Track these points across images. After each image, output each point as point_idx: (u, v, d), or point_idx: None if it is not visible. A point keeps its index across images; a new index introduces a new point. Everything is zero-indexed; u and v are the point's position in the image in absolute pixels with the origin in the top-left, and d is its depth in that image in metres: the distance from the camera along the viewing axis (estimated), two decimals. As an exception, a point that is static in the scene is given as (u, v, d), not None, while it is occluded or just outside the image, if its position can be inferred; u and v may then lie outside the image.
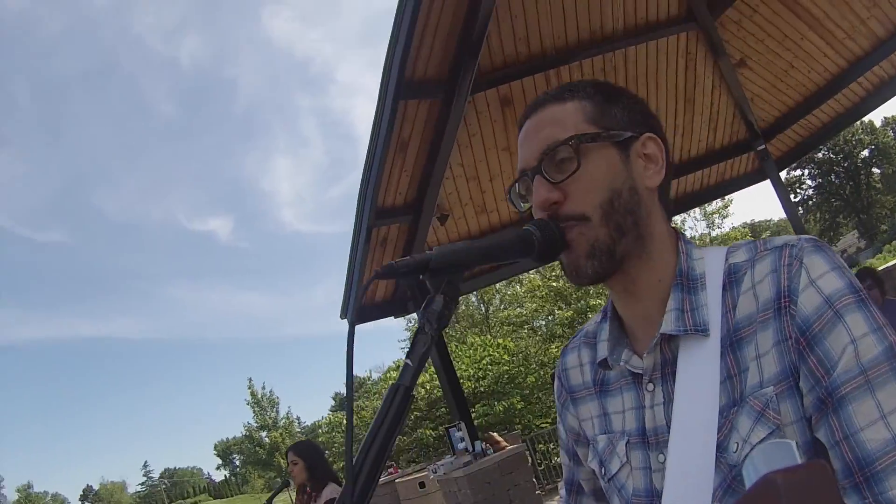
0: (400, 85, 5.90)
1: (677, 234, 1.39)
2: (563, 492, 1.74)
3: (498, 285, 35.25)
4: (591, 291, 30.31)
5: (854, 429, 1.10)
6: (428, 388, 28.92)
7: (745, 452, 1.17)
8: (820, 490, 0.69)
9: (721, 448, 1.20)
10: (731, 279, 1.27)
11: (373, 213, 7.53)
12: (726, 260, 1.30)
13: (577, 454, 1.63)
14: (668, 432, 1.29)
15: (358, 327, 9.58)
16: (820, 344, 1.14)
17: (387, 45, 5.74)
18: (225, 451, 72.30)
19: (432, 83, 6.24)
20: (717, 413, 1.22)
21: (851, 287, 1.15)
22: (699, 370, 1.26)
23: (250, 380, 56.43)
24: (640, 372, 1.35)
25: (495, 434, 10.11)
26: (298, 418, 62.09)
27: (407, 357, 1.09)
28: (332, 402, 63.18)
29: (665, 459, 1.30)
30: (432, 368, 29.19)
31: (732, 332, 1.24)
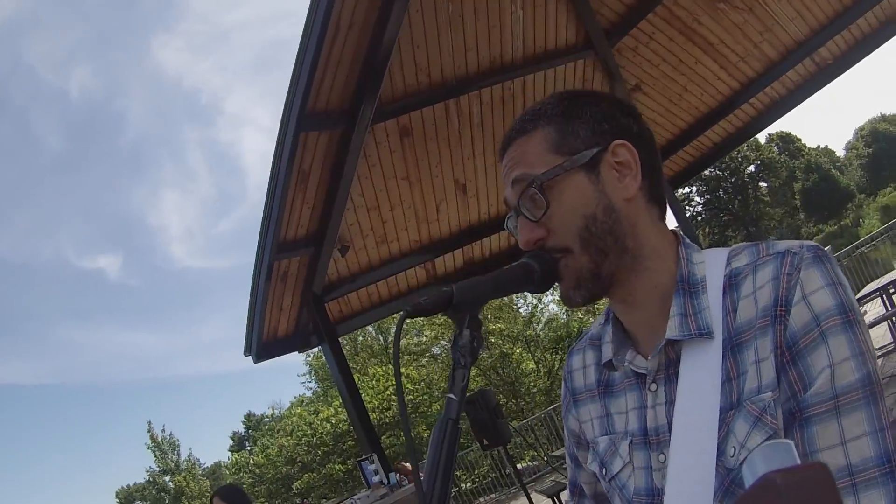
0: (302, 117, 5.86)
1: (677, 238, 1.39)
2: (568, 492, 1.77)
3: (395, 315, 35.26)
4: (489, 316, 30.53)
5: (814, 448, 1.12)
6: (333, 422, 28.73)
7: (742, 457, 1.19)
8: (820, 490, 0.68)
9: (719, 452, 1.21)
10: (732, 282, 1.28)
11: (275, 246, 7.44)
12: (728, 263, 1.31)
13: (577, 457, 1.64)
14: (669, 432, 1.31)
15: (256, 365, 9.44)
16: (802, 360, 1.16)
17: (283, 77, 5.73)
18: (127, 498, 69.98)
19: (334, 114, 6.22)
20: (717, 416, 1.23)
21: (841, 307, 1.15)
22: (701, 372, 1.27)
23: (150, 423, 54.89)
24: (645, 372, 1.36)
25: (407, 464, 10.05)
26: (199, 460, 60.81)
27: (449, 391, 1.16)
28: (231, 442, 61.95)
29: (666, 459, 1.31)
30: (337, 402, 29.05)
31: (733, 335, 1.25)
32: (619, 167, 1.33)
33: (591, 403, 1.54)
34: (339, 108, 6.18)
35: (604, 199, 1.32)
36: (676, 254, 1.36)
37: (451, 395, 1.16)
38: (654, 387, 1.35)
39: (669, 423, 1.31)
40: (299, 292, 8.75)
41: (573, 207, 1.32)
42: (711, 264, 1.33)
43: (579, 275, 1.33)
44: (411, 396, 27.95)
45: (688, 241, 1.39)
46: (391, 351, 36.16)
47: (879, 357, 10.93)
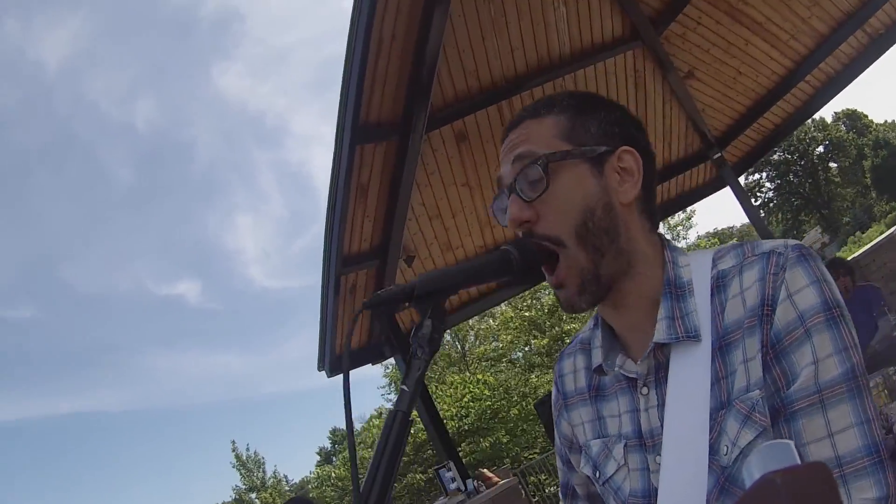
0: (355, 131, 5.90)
1: (662, 243, 1.39)
2: (560, 494, 1.76)
3: (471, 321, 35.20)
4: (565, 318, 30.32)
5: (801, 442, 1.14)
6: (413, 431, 28.72)
7: (734, 455, 1.20)
8: (820, 490, 0.68)
9: (712, 451, 1.22)
10: (719, 284, 1.29)
11: (339, 261, 7.51)
12: (714, 266, 1.32)
13: (570, 460, 1.65)
14: (663, 434, 1.31)
15: (337, 378, 9.51)
16: (786, 357, 1.17)
17: (339, 92, 5.74)
18: (215, 518, 71.04)
19: (387, 126, 6.25)
20: (707, 416, 1.24)
21: (826, 304, 1.17)
22: (690, 374, 1.27)
23: (234, 442, 55.66)
24: (635, 376, 1.36)
25: (486, 470, 10.05)
26: (286, 476, 61.32)
27: (403, 383, 1.15)
28: (318, 458, 62.40)
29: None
30: (415, 413, 29.04)
31: (721, 336, 1.26)
32: (622, 172, 1.34)
33: (583, 407, 1.54)
34: (391, 119, 6.21)
35: (606, 196, 1.32)
36: (663, 258, 1.36)
37: (404, 387, 1.14)
38: (645, 390, 1.35)
39: (662, 426, 1.31)
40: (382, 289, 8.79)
41: (573, 196, 1.32)
42: (697, 267, 1.34)
43: (582, 276, 1.31)
44: (489, 403, 27.90)
45: (673, 244, 1.40)
46: (468, 358, 36.45)
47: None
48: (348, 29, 5.18)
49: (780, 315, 1.18)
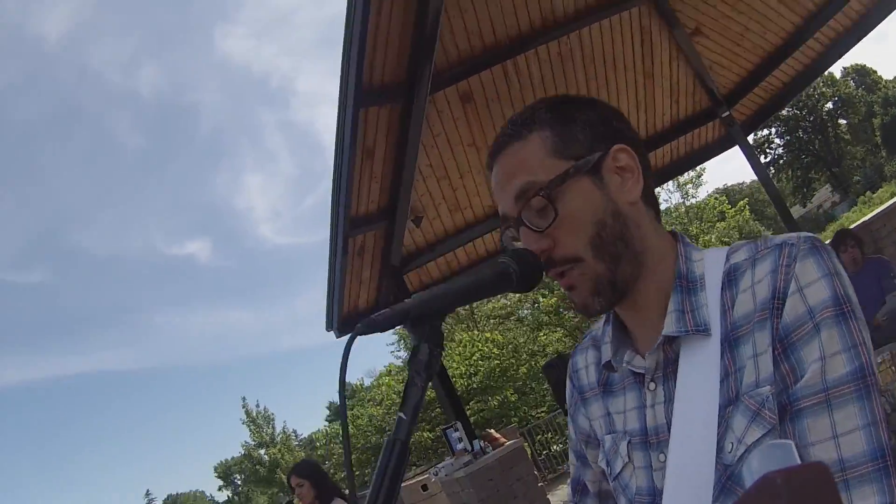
0: (359, 94, 5.87)
1: (675, 237, 1.38)
2: (569, 490, 1.75)
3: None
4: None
5: (805, 442, 1.11)
6: (421, 389, 28.92)
7: (739, 453, 1.17)
8: (820, 490, 0.68)
9: (717, 448, 1.20)
10: (731, 278, 1.26)
11: (347, 223, 7.51)
12: (727, 260, 1.29)
13: (585, 455, 1.63)
14: (669, 431, 1.29)
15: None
16: (795, 353, 1.14)
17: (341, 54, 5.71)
18: (225, 472, 71.96)
19: (391, 88, 6.23)
20: (716, 412, 1.21)
21: (836, 298, 1.13)
22: (700, 370, 1.25)
23: (244, 398, 56.20)
24: (643, 372, 1.35)
25: (492, 431, 10.13)
26: (295, 432, 61.97)
27: (400, 410, 1.11)
28: (328, 412, 63.00)
29: (666, 459, 1.30)
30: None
31: (730, 330, 1.23)
32: (620, 171, 1.32)
33: (595, 402, 1.54)
34: (395, 80, 6.18)
35: (611, 203, 1.30)
36: (676, 253, 1.35)
37: (402, 415, 1.11)
38: (652, 386, 1.34)
39: (669, 423, 1.30)
40: (377, 265, 8.85)
41: (583, 214, 1.29)
42: (710, 262, 1.31)
43: (597, 283, 1.30)
44: (497, 361, 28.00)
45: (686, 240, 1.38)
46: (476, 316, 36.49)
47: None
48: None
49: (790, 308, 1.15)
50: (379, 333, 1.18)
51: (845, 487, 1.07)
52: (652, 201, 1.37)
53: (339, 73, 5.85)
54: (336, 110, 6.22)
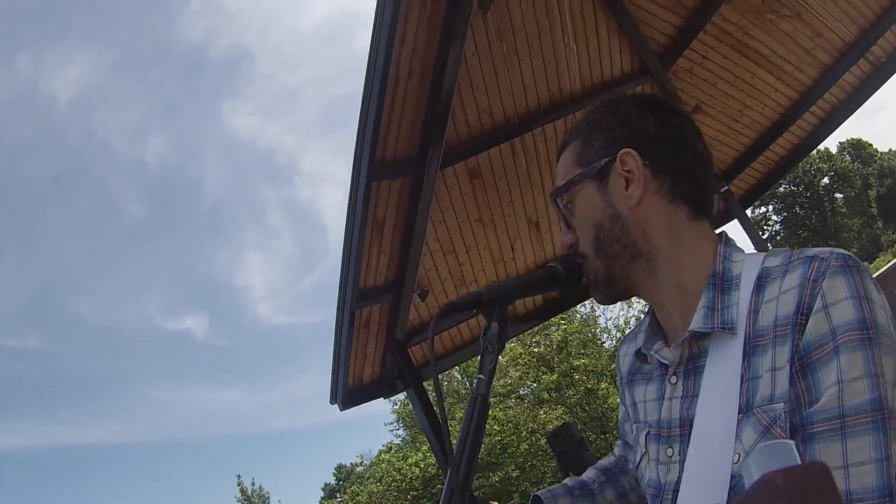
0: (371, 167, 5.95)
1: (719, 237, 1.41)
2: (617, 450, 1.91)
3: (478, 357, 34.84)
4: (574, 353, 30.20)
5: None
6: (422, 466, 28.60)
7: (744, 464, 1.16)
8: (820, 490, 0.69)
9: None
10: (761, 283, 1.28)
11: (355, 295, 7.53)
12: (762, 263, 1.31)
13: (627, 435, 1.76)
14: (679, 427, 1.34)
15: (343, 414, 9.51)
16: (812, 373, 1.13)
17: (353, 131, 5.81)
18: (220, 552, 70.39)
19: (402, 163, 6.31)
20: (737, 413, 1.22)
21: (862, 322, 1.11)
22: (725, 370, 1.27)
23: (239, 476, 55.27)
24: (668, 363, 1.40)
25: (494, 503, 9.97)
26: (291, 511, 60.81)
27: (479, 373, 1.32)
28: (322, 493, 61.98)
29: (673, 454, 1.35)
30: (425, 446, 29.00)
31: (753, 336, 1.24)
32: (627, 175, 1.39)
33: (628, 390, 1.63)
34: (407, 155, 6.27)
35: (609, 208, 1.40)
36: (714, 252, 1.37)
37: (481, 376, 1.31)
38: (673, 379, 1.39)
39: (681, 419, 1.34)
40: (382, 338, 8.82)
41: (585, 217, 1.44)
42: (749, 265, 1.33)
43: (595, 277, 1.45)
44: (498, 438, 27.79)
45: (732, 241, 1.41)
46: (437, 404, 36.01)
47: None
48: (367, 63, 5.24)
49: (813, 326, 1.13)
50: (458, 317, 1.41)
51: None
52: (685, 196, 1.40)
53: (350, 148, 5.95)
54: (339, 189, 6.30)
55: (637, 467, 1.51)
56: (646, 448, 1.46)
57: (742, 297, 1.28)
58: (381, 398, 9.96)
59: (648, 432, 1.46)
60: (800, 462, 0.83)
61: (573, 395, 30.27)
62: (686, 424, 1.33)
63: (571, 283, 1.45)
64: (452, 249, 8.67)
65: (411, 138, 6.18)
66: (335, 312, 7.95)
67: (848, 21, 7.80)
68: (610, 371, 30.42)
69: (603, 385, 30.12)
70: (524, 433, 29.47)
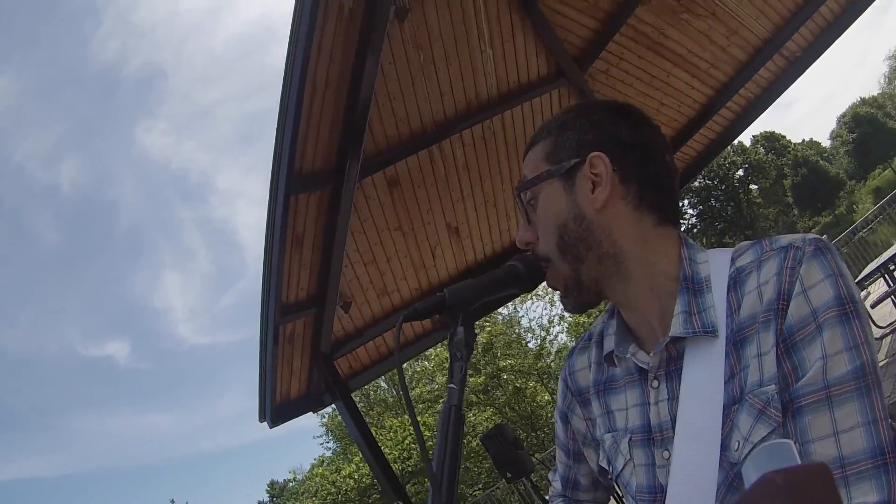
0: (290, 181, 5.87)
1: (679, 239, 1.41)
2: (557, 485, 1.79)
3: (405, 364, 34.97)
4: (500, 355, 30.38)
5: (806, 439, 1.14)
6: (356, 477, 28.45)
7: (745, 451, 1.20)
8: (820, 490, 0.69)
9: (723, 446, 1.23)
10: (737, 280, 1.30)
11: (278, 311, 7.43)
12: (732, 263, 1.33)
13: (581, 453, 1.68)
14: (673, 429, 1.33)
15: (273, 432, 9.41)
16: (797, 352, 1.17)
17: (269, 147, 5.71)
18: (152, 576, 69.31)
19: (321, 175, 6.25)
20: (720, 412, 1.24)
21: (839, 298, 1.16)
22: (705, 370, 1.28)
23: (172, 501, 54.58)
24: (646, 368, 1.38)
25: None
26: (225, 532, 60.17)
27: (449, 383, 1.26)
28: (256, 512, 61.40)
29: (669, 456, 1.33)
30: (358, 457, 28.83)
31: (736, 331, 1.26)
32: (594, 178, 1.38)
33: (595, 402, 1.57)
34: (325, 167, 6.22)
35: (575, 208, 1.38)
36: (679, 255, 1.38)
37: (452, 385, 1.25)
38: (655, 383, 1.38)
39: (673, 420, 1.33)
40: (308, 353, 8.72)
41: (548, 215, 1.41)
42: (716, 264, 1.35)
43: (565, 283, 1.42)
44: (430, 443, 27.75)
45: (690, 241, 1.42)
46: (404, 402, 36.03)
47: (887, 335, 10.84)
48: (283, 75, 5.17)
49: (794, 309, 1.18)
50: (419, 321, 1.38)
51: (844, 484, 1.09)
52: (650, 204, 1.41)
53: (264, 164, 5.87)
54: (255, 206, 6.22)
55: (618, 476, 1.49)
56: (630, 455, 1.44)
57: (717, 298, 1.31)
58: (311, 412, 9.87)
59: (631, 438, 1.44)
60: (800, 462, 0.83)
61: (501, 395, 30.46)
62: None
63: (532, 280, 1.42)
64: (373, 259, 8.60)
65: (329, 150, 6.12)
66: (258, 329, 7.83)
67: (763, 18, 7.97)
68: (536, 369, 30.63)
69: (531, 384, 30.38)
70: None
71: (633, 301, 1.41)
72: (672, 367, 1.35)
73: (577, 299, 1.43)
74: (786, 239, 1.27)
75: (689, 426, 1.28)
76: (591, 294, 1.42)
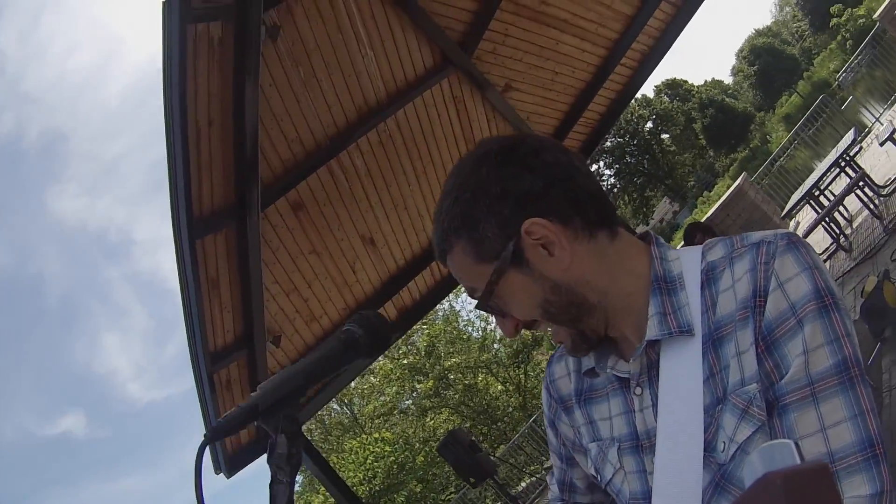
0: (191, 226, 5.72)
1: (647, 239, 1.38)
2: (554, 489, 1.76)
3: (352, 383, 34.81)
4: (444, 355, 30.42)
5: (793, 437, 1.12)
6: (328, 509, 28.25)
7: (731, 451, 1.18)
8: (820, 490, 0.66)
9: (709, 447, 1.21)
10: (710, 276, 1.27)
11: (208, 360, 7.24)
12: (703, 258, 1.30)
13: (572, 457, 1.65)
14: None
15: (237, 476, 9.20)
16: (778, 349, 1.16)
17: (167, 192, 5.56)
18: None
19: (222, 214, 6.11)
20: (702, 412, 1.22)
21: (817, 291, 1.15)
22: (683, 369, 1.26)
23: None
24: (628, 376, 1.35)
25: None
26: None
27: None
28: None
29: None
30: (322, 489, 28.61)
31: (713, 330, 1.24)
32: (542, 242, 1.28)
33: (577, 410, 1.53)
34: (225, 204, 6.07)
35: (545, 281, 1.29)
36: (648, 256, 1.34)
37: None
38: (638, 391, 1.34)
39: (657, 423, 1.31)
40: (248, 394, 8.52)
41: (523, 304, 1.32)
42: (687, 260, 1.32)
43: (572, 343, 1.35)
44: (392, 458, 27.72)
45: (660, 240, 1.38)
46: (360, 420, 36.01)
47: (825, 260, 11.06)
48: (164, 123, 5.00)
49: (772, 305, 1.16)
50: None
51: (836, 479, 1.08)
52: (597, 223, 1.33)
53: (170, 209, 5.69)
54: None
55: (609, 484, 1.46)
56: (620, 463, 1.42)
57: (691, 295, 1.28)
58: (266, 454, 9.67)
59: (620, 447, 1.41)
60: (800, 462, 0.80)
61: (454, 394, 30.55)
62: None
63: (377, 344, 1.25)
64: (294, 288, 8.44)
65: (225, 186, 5.98)
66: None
67: (645, -32, 8.02)
68: (483, 361, 30.75)
69: (480, 377, 30.52)
70: (417, 445, 29.50)
71: (613, 316, 1.35)
72: (654, 373, 1.32)
73: (586, 350, 1.38)
74: (757, 235, 1.26)
75: (669, 426, 1.27)
76: (595, 340, 1.36)
